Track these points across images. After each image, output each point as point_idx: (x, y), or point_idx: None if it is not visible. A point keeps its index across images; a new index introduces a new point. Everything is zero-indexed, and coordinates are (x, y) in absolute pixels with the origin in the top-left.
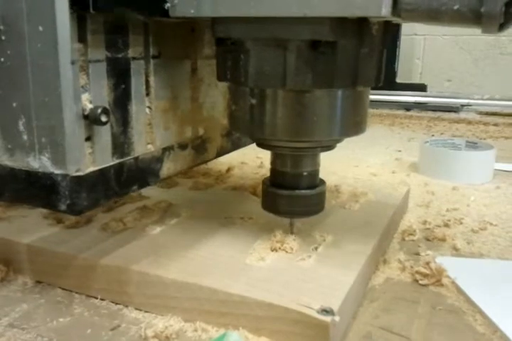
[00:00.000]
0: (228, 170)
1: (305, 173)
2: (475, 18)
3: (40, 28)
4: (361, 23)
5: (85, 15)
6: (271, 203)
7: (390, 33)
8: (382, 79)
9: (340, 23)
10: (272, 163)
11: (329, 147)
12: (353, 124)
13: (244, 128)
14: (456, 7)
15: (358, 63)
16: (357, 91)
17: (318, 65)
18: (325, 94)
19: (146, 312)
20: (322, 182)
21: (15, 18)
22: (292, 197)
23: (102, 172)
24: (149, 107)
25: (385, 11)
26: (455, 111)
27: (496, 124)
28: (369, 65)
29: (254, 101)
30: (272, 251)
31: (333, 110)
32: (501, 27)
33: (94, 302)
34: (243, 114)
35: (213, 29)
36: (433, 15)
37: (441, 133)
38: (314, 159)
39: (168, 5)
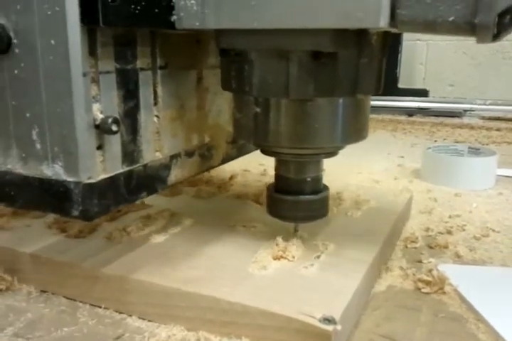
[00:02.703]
0: (231, 177)
1: (308, 179)
2: (470, 28)
3: (52, 42)
4: (360, 34)
5: (95, 29)
6: (275, 208)
7: (389, 42)
8: (382, 87)
9: (341, 34)
10: (276, 168)
11: (332, 153)
12: (354, 131)
13: (249, 136)
14: (451, 18)
15: (357, 72)
16: (357, 100)
17: (320, 75)
18: (326, 103)
19: (149, 321)
20: (325, 187)
21: (28, 32)
22: (296, 203)
23: (112, 180)
24: (157, 116)
25: (383, 22)
26: (458, 117)
27: (498, 129)
28: (369, 74)
29: (258, 109)
30: (275, 259)
31: (335, 118)
32: (495, 37)
33: (98, 312)
34: (247, 122)
35: (217, 40)
36: (430, 27)
37: (444, 139)
38: (317, 165)
39: (174, 18)
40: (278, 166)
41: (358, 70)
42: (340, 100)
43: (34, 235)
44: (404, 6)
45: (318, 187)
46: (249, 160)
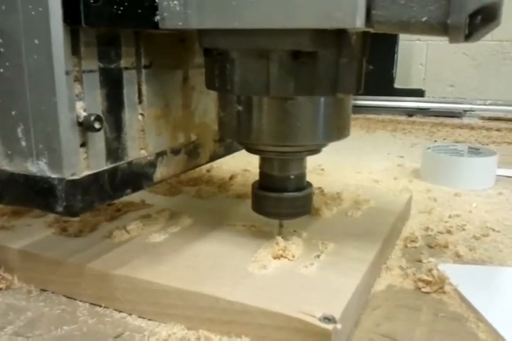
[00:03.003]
0: (231, 177)
1: (292, 176)
2: (442, 29)
3: (36, 41)
4: (340, 34)
5: (78, 28)
6: (259, 205)
7: (370, 43)
8: (363, 86)
9: (320, 34)
10: (260, 166)
11: (315, 151)
12: (336, 129)
13: (233, 134)
14: (424, 19)
15: (337, 72)
16: (338, 98)
17: (300, 74)
18: (307, 101)
19: (149, 320)
20: (309, 184)
21: (13, 31)
22: (280, 199)
23: (96, 176)
24: (142, 114)
25: (359, 23)
26: (458, 117)
27: (498, 129)
28: (348, 73)
29: (240, 108)
30: (275, 258)
31: (316, 116)
32: (467, 37)
33: (97, 310)
34: (231, 120)
35: (200, 40)
36: (404, 27)
37: (444, 139)
38: (301, 163)
39: (157, 18)
40: (262, 164)
41: (338, 70)
42: (321, 99)
43: (33, 234)
44: (380, 6)
45: (302, 185)
46: (249, 160)
